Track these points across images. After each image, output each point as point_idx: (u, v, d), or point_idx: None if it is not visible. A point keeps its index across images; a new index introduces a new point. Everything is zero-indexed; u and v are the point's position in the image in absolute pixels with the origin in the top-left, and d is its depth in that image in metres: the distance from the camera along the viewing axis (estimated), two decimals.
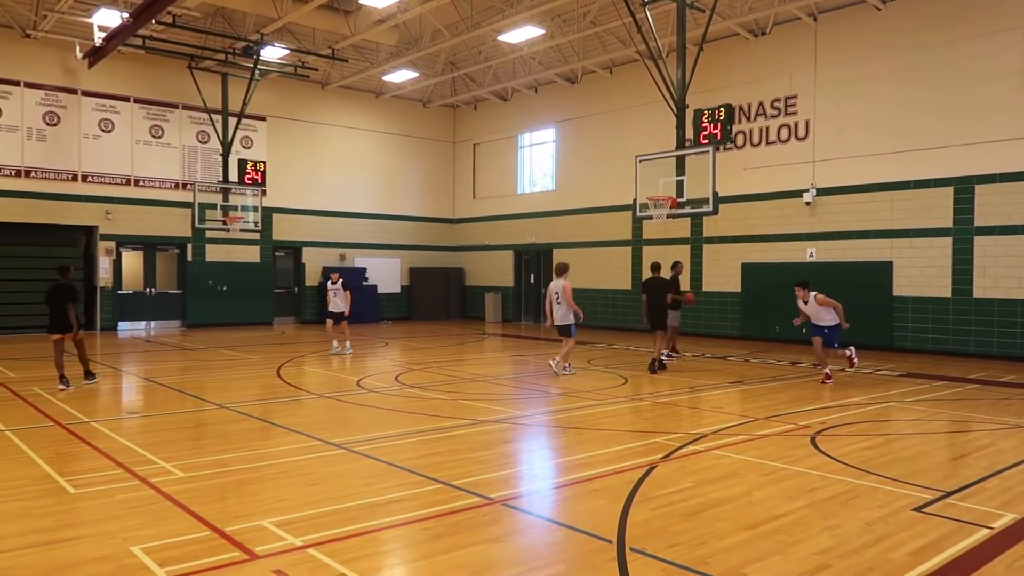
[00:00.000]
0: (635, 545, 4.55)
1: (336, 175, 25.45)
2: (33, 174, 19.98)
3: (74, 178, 20.61)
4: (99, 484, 5.90)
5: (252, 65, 21.11)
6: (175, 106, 22.22)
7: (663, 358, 13.48)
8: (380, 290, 25.88)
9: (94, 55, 19.04)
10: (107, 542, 4.62)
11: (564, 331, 12.61)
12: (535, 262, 25.29)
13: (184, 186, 22.28)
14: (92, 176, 20.89)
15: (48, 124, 20.23)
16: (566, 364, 12.63)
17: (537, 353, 16.36)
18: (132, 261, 22.15)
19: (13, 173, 19.70)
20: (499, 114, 26.63)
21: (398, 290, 26.90)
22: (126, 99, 21.44)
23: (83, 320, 12.85)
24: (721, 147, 15.78)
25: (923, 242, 16.08)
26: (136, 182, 21.62)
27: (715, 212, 14.09)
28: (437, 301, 27.22)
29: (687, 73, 14.36)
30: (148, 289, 22.38)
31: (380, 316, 25.71)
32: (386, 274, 26.39)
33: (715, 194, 13.61)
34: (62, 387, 10.59)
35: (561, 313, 12.57)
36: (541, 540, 4.85)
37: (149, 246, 22.25)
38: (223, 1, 18.10)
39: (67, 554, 4.46)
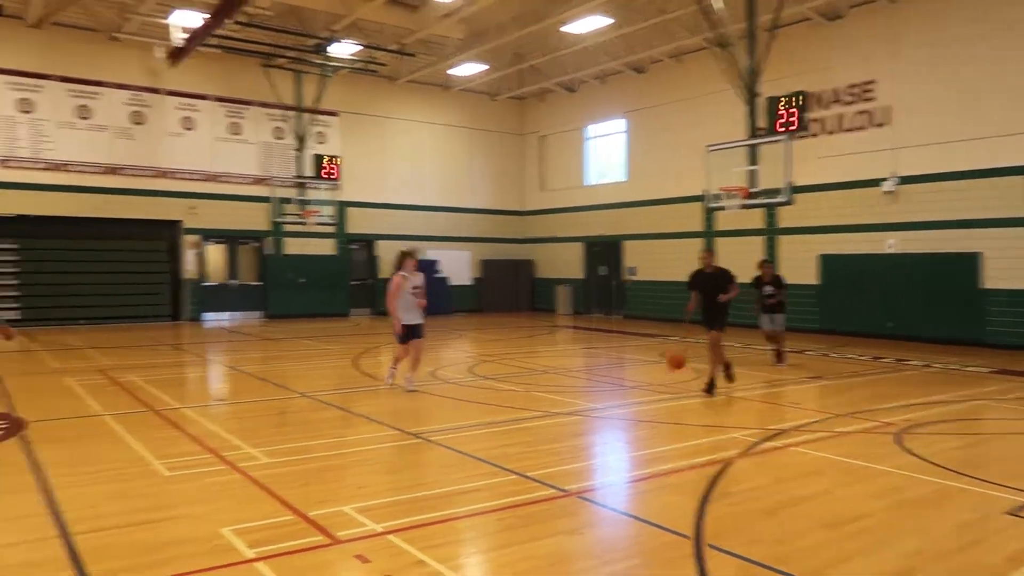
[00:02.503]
0: (712, 541, 4.50)
1: (407, 169, 25.82)
2: (121, 171, 20.92)
3: (159, 174, 21.49)
4: (190, 468, 6.17)
5: (323, 62, 21.60)
6: (252, 103, 22.91)
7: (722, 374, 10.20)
8: (451, 282, 26.16)
9: (175, 56, 19.80)
10: (199, 523, 4.83)
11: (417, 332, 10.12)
12: (604, 254, 25.13)
13: (262, 181, 22.97)
14: (175, 172, 21.75)
15: (134, 123, 21.15)
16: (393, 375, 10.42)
17: (609, 346, 16.28)
18: (216, 254, 23.02)
19: (103, 170, 20.67)
20: (566, 105, 26.52)
21: (469, 282, 27.15)
22: (206, 97, 22.21)
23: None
24: (796, 135, 15.35)
25: (1017, 232, 15.26)
26: (217, 178, 22.40)
27: (790, 202, 13.74)
28: (507, 293, 27.36)
29: (758, 60, 14.01)
30: (230, 281, 23.22)
31: (452, 308, 25.99)
32: (457, 266, 26.67)
33: (790, 184, 13.27)
34: None
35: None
36: (616, 533, 4.85)
37: (231, 239, 23.07)
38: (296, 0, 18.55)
39: (163, 533, 4.69)
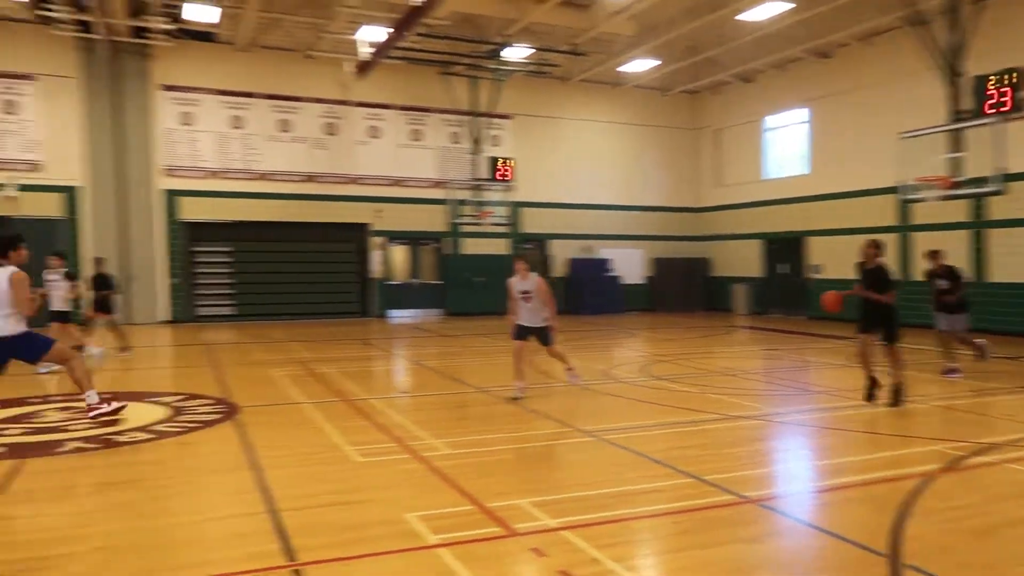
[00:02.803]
0: (912, 562, 4.16)
1: (579, 168, 25.96)
2: (317, 179, 22.69)
3: (349, 181, 23.08)
4: (379, 455, 6.57)
5: (497, 67, 22.23)
6: (431, 110, 24.01)
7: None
8: (623, 281, 25.99)
9: (362, 69, 21.17)
10: (388, 507, 5.14)
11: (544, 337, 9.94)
12: (785, 251, 23.91)
13: (440, 185, 24.01)
14: (363, 178, 23.26)
15: (327, 134, 22.85)
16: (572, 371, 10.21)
17: (791, 348, 15.49)
18: (399, 254, 24.40)
19: (302, 178, 22.52)
20: (742, 97, 25.48)
21: (641, 281, 26.84)
22: (389, 107, 23.56)
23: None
24: (1010, 117, 13.78)
25: None
26: (400, 182, 23.70)
27: (1002, 192, 12.37)
28: (681, 292, 26.75)
29: (963, 36, 12.71)
30: (413, 280, 24.51)
31: (624, 307, 25.81)
32: (629, 265, 26.45)
33: (1002, 171, 11.95)
34: None
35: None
36: (801, 545, 4.60)
37: (413, 240, 24.35)
38: (470, 8, 19.18)
39: (357, 515, 5.04)
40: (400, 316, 23.87)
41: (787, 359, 13.67)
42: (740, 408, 8.80)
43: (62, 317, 11.93)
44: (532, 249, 25.70)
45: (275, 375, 11.45)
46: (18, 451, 6.75)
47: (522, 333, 9.86)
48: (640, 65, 23.50)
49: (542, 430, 7.69)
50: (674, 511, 5.06)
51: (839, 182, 21.71)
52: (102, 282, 13.32)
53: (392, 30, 18.01)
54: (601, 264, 25.50)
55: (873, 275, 8.80)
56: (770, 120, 24.86)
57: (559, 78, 25.17)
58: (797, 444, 7.47)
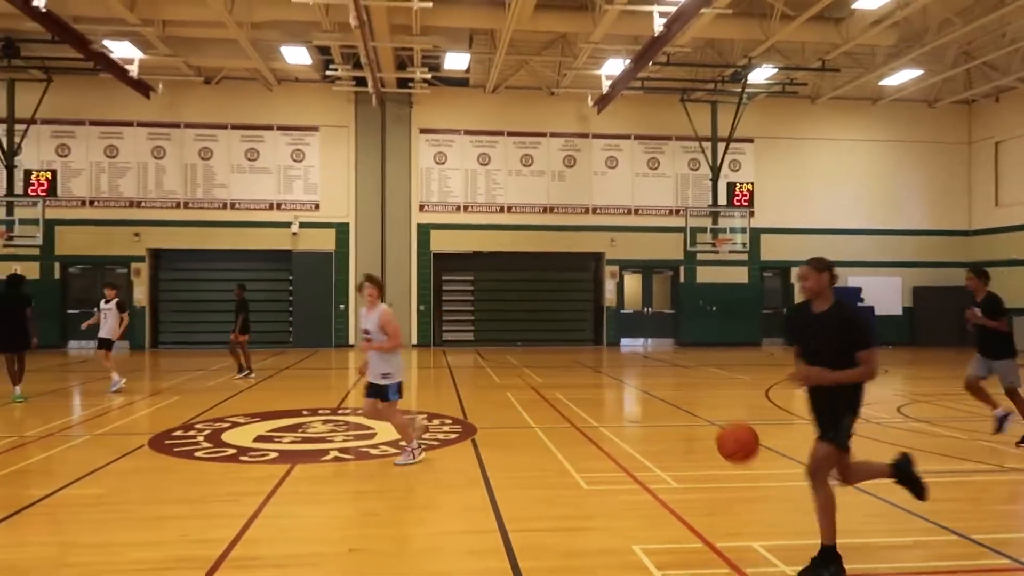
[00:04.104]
0: None
1: (825, 190, 24.31)
2: (554, 210, 23.44)
3: (585, 211, 23.57)
4: (606, 483, 6.57)
5: (740, 90, 21.56)
6: (668, 138, 23.84)
7: None
8: (877, 312, 23.75)
9: (601, 102, 21.60)
10: (612, 537, 5.11)
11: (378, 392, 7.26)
12: None
13: (677, 212, 23.69)
14: (600, 208, 23.63)
15: (566, 166, 23.57)
16: (411, 445, 7.38)
17: None
18: (632, 283, 24.38)
19: (540, 210, 23.40)
20: None
21: (898, 312, 24.37)
22: (627, 137, 23.77)
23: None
24: None
25: None
26: (635, 211, 23.75)
27: None
28: (946, 324, 23.80)
29: None
30: (645, 308, 24.35)
31: (878, 340, 23.54)
32: (884, 294, 24.12)
33: None
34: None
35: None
36: None
37: (646, 269, 24.24)
38: (712, 33, 18.81)
39: (583, 541, 5.07)
40: (632, 345, 23.77)
41: None
42: (1019, 460, 7.62)
43: (107, 344, 12.69)
44: (771, 277, 24.37)
45: (510, 399, 11.91)
46: (289, 457, 7.66)
47: (369, 389, 7.28)
48: (902, 77, 21.54)
49: (779, 469, 7.22)
50: (933, 571, 4.50)
51: None
52: (242, 306, 14.59)
53: (632, 62, 18.21)
54: (851, 293, 23.49)
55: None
56: None
57: (807, 97, 23.83)
58: None
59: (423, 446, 7.64)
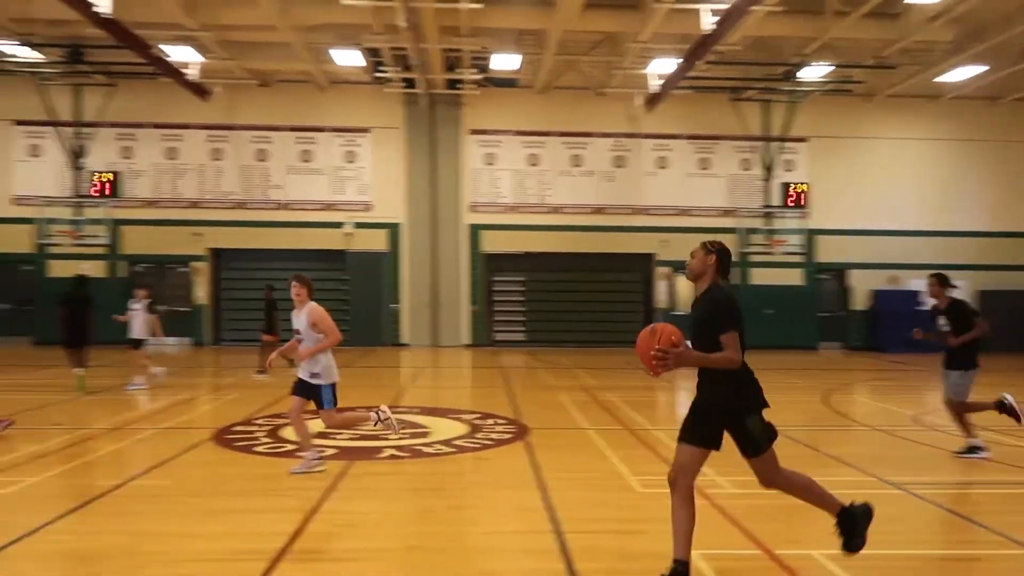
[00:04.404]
0: None
1: (882, 191, 23.69)
2: (604, 211, 23.34)
3: (636, 212, 23.41)
4: (660, 487, 6.46)
5: (793, 88, 21.16)
6: (720, 138, 23.53)
7: None
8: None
9: (651, 101, 21.43)
10: (668, 540, 5.03)
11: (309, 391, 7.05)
12: None
13: (729, 213, 23.37)
14: (650, 209, 23.43)
15: (616, 166, 23.45)
16: (309, 454, 7.05)
17: None
18: (684, 285, 24.10)
19: (590, 210, 23.32)
20: None
21: None
22: (678, 137, 23.52)
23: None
24: None
25: None
26: (686, 212, 23.49)
27: None
28: (1016, 329, 22.98)
29: None
30: None
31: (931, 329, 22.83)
32: None
33: None
34: None
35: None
36: None
37: None
38: (764, 30, 18.49)
39: (638, 544, 5.06)
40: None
41: None
42: None
43: (137, 344, 12.90)
44: (827, 279, 23.85)
45: (562, 400, 11.90)
46: (347, 454, 7.81)
47: (298, 387, 7.08)
48: (962, 73, 20.87)
49: (838, 477, 7.07)
50: None
51: None
52: (272, 306, 14.88)
53: (682, 61, 18.04)
54: (910, 296, 22.87)
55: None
56: None
57: (863, 95, 23.26)
58: None
59: (323, 457, 7.18)
